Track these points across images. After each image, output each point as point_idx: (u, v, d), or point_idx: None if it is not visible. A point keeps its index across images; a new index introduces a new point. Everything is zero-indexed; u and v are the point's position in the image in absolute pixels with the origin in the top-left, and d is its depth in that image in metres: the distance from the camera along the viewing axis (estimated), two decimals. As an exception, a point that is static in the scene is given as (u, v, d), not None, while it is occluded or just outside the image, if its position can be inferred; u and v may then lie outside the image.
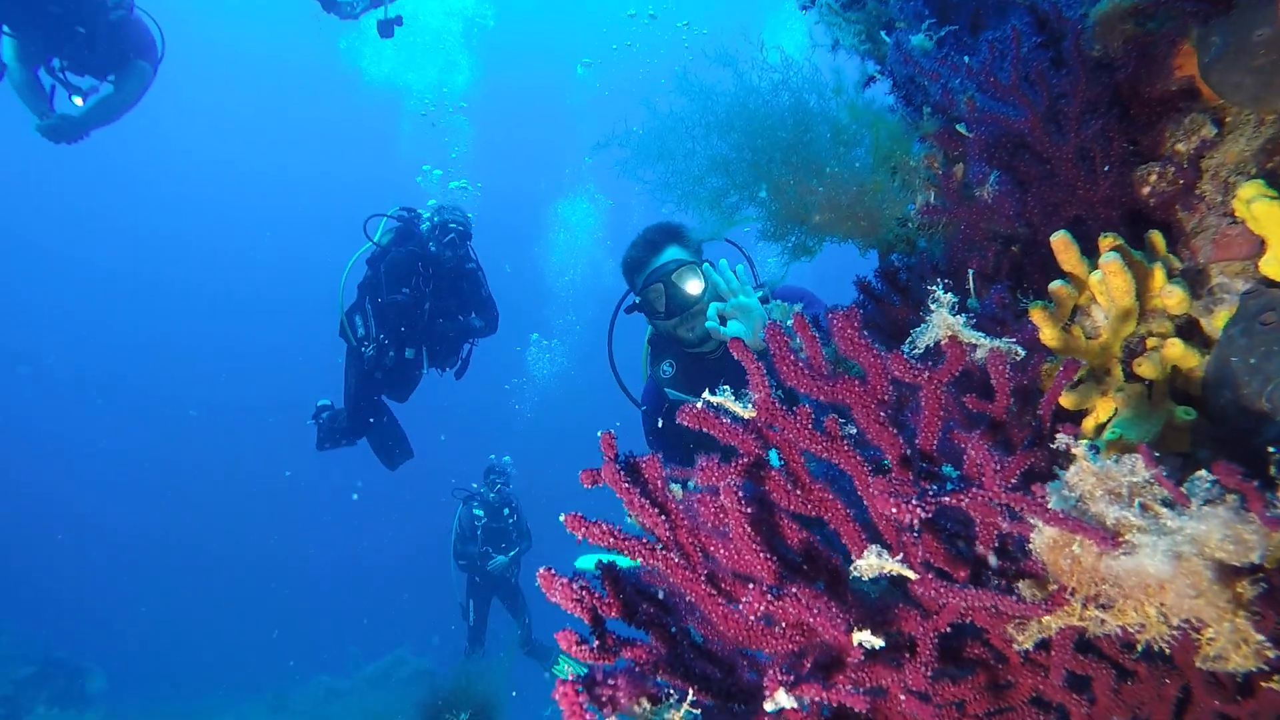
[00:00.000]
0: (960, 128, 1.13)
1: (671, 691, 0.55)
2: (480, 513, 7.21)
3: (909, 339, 0.71)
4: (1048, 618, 0.67)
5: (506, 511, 7.21)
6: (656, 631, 0.65)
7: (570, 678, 0.48)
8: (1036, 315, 0.99)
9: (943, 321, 0.70)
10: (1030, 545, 0.67)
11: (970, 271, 1.00)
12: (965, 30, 1.25)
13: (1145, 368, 1.01)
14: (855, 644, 0.62)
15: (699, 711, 0.55)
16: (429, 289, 5.06)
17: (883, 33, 1.31)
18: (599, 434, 0.70)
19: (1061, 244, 1.02)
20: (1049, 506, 0.60)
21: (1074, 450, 0.63)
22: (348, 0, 4.97)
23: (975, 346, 0.72)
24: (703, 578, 0.69)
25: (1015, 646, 0.71)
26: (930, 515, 0.56)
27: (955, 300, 0.69)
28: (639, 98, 1.21)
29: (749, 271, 2.39)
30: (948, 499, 0.57)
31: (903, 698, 0.64)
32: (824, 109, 1.16)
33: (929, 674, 0.64)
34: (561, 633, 0.54)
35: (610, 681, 0.52)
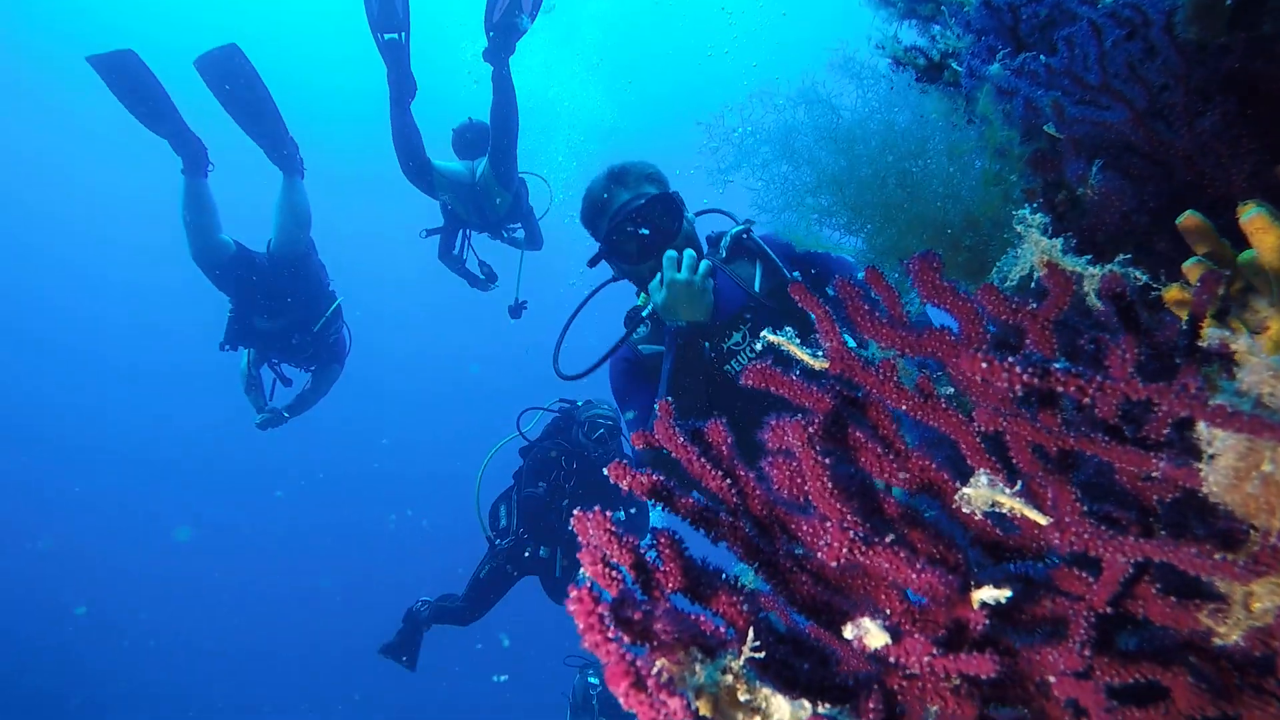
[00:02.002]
0: (1048, 128, 1.06)
1: (727, 638, 0.44)
2: (595, 680, 6.85)
3: (995, 268, 0.62)
4: (1259, 585, 0.50)
5: None
6: (726, 610, 0.54)
7: (588, 583, 0.40)
8: (1173, 299, 0.85)
9: (1037, 245, 0.61)
10: (1204, 489, 0.52)
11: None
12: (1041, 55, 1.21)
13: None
14: (976, 605, 0.48)
15: (763, 655, 0.43)
16: (569, 484, 4.70)
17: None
18: (656, 403, 0.64)
19: (1193, 224, 0.89)
20: (1214, 403, 0.46)
21: (1235, 347, 0.50)
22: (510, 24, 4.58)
23: (1081, 277, 0.62)
24: (781, 552, 0.57)
25: (1217, 642, 0.53)
26: (1034, 384, 0.44)
27: (1046, 220, 0.60)
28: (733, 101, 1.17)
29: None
30: (1063, 376, 0.45)
31: (1052, 680, 0.47)
32: (940, 132, 1.10)
33: (1087, 655, 0.48)
34: (585, 550, 0.45)
35: (647, 608, 0.42)
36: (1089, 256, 0.60)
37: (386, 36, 4.08)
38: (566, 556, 4.70)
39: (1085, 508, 0.56)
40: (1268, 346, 0.85)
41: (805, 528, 0.60)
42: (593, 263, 2.29)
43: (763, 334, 0.61)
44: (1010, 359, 0.44)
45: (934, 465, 0.62)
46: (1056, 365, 0.44)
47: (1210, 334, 0.51)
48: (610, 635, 0.39)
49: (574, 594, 0.39)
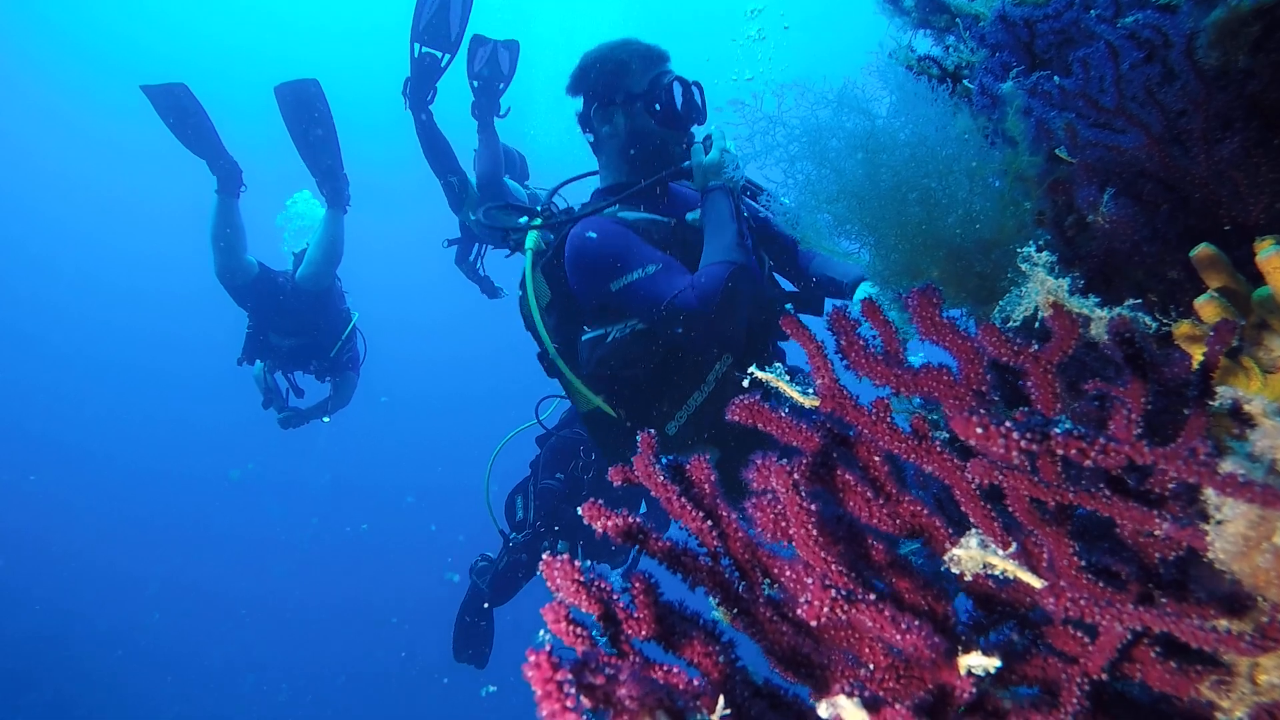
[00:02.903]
0: (1060, 152, 1.03)
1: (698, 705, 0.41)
2: None
3: (998, 308, 0.59)
4: (1267, 659, 0.47)
5: None
6: (701, 660, 0.52)
7: (547, 646, 0.37)
8: (1183, 335, 0.81)
9: (1043, 285, 0.58)
10: (1209, 554, 0.49)
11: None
12: (1054, 75, 1.18)
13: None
14: (963, 672, 0.45)
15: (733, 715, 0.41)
16: (588, 476, 4.42)
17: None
18: (639, 434, 0.61)
19: (1207, 256, 0.86)
20: (1225, 471, 0.43)
21: (1249, 409, 0.47)
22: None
23: (1088, 319, 0.59)
24: (761, 599, 0.55)
25: (1219, 717, 0.50)
26: (1032, 450, 0.42)
27: (1052, 259, 0.57)
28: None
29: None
30: (1063, 440, 0.42)
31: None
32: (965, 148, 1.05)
33: (1080, 729, 0.45)
34: (548, 606, 0.42)
35: (610, 672, 0.39)
36: (1097, 299, 0.57)
37: (424, 50, 4.04)
38: (587, 550, 4.58)
39: (1082, 561, 0.54)
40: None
41: (788, 574, 0.57)
42: (640, 108, 2.12)
43: (750, 370, 0.58)
44: (1007, 424, 0.41)
45: (925, 511, 0.59)
46: (1057, 430, 0.41)
47: (1223, 392, 0.48)
48: (569, 705, 0.36)
49: (531, 659, 0.37)
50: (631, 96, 2.13)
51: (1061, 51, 1.26)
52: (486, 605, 4.61)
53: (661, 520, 4.61)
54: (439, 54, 4.04)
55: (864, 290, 2.85)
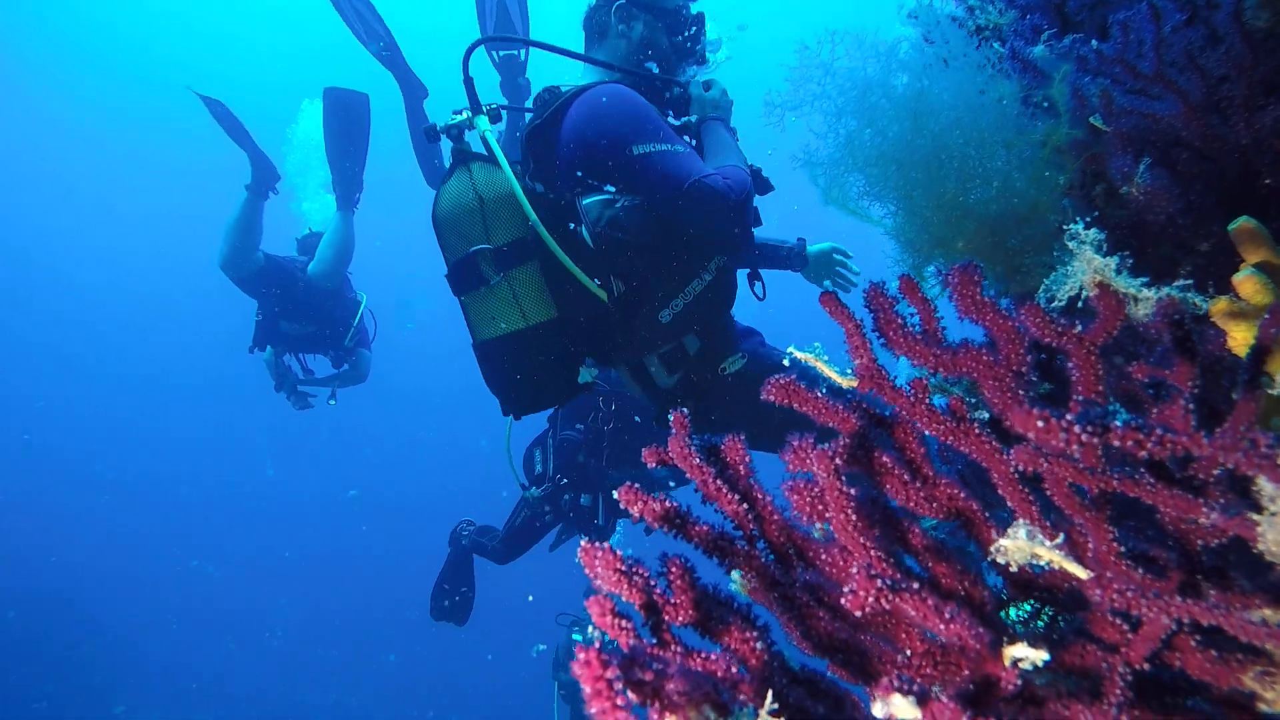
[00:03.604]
0: (1095, 120, 1.00)
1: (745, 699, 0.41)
2: (579, 638, 6.85)
3: (1043, 287, 0.57)
4: (1305, 653, 0.46)
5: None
6: (739, 645, 0.51)
7: (596, 644, 0.36)
8: (1220, 312, 0.80)
9: (1089, 264, 0.56)
10: (1259, 546, 0.48)
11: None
12: (1091, 39, 1.14)
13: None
14: (1008, 663, 0.45)
15: (777, 706, 0.40)
16: (608, 427, 4.15)
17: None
18: (670, 414, 0.60)
19: (1246, 231, 0.84)
20: (1281, 465, 0.42)
21: (1308, 397, 0.45)
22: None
23: (1135, 299, 0.57)
24: (799, 584, 0.54)
25: (1263, 708, 0.50)
26: (1092, 446, 0.40)
27: (1100, 237, 0.55)
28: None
29: None
30: (1122, 432, 0.41)
31: (1088, 747, 0.45)
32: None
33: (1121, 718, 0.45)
34: (593, 599, 0.42)
35: (658, 667, 0.39)
36: (1145, 279, 0.55)
37: (377, 47, 4.25)
38: (607, 503, 4.18)
39: (1122, 548, 0.53)
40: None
41: (826, 558, 0.56)
42: (663, 25, 2.11)
43: (789, 350, 0.56)
44: (1069, 418, 0.40)
45: (963, 494, 0.58)
46: (1116, 422, 0.40)
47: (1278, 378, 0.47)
48: (619, 704, 0.36)
49: (582, 656, 0.36)
50: (660, 10, 2.11)
51: (1095, 13, 1.22)
52: (497, 560, 4.53)
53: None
54: (381, 44, 4.25)
55: (816, 249, 2.72)
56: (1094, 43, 0.96)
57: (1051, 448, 0.41)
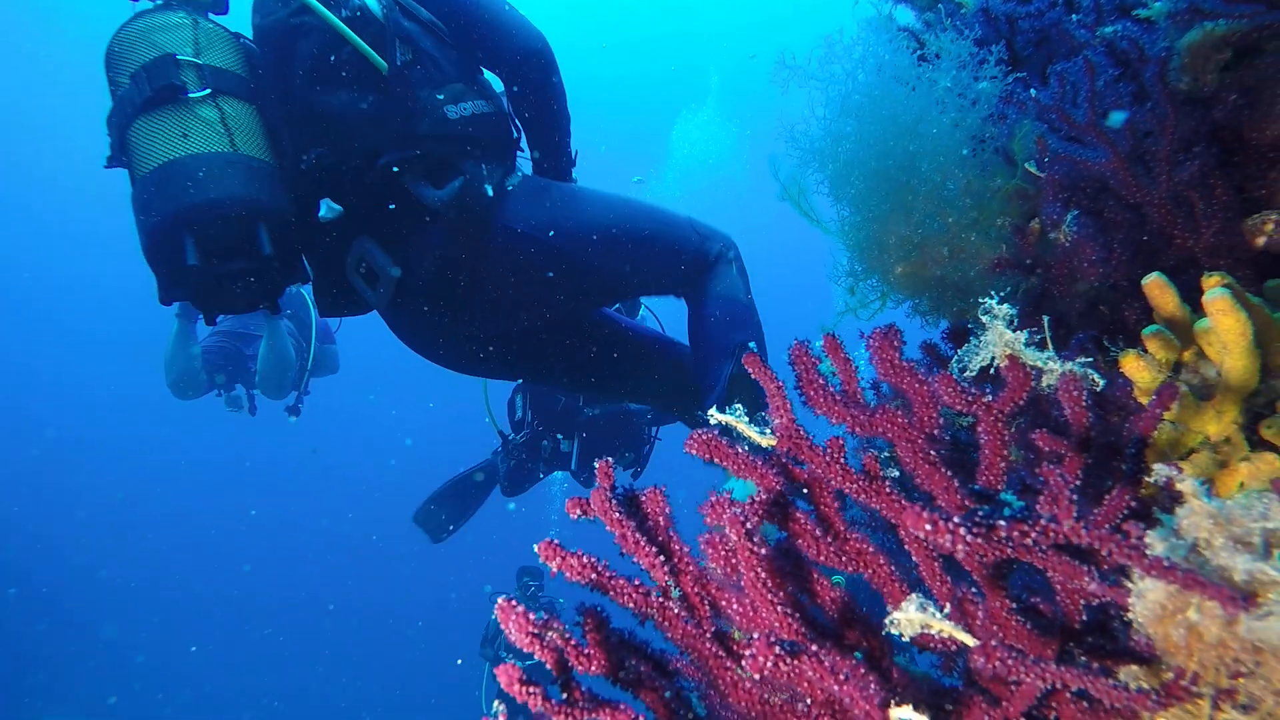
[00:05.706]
0: (1030, 165, 1.04)
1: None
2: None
3: (955, 358, 0.60)
4: (1164, 715, 0.51)
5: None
6: (648, 694, 0.54)
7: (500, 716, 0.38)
8: (1130, 364, 0.84)
9: (999, 338, 0.59)
10: (1130, 615, 0.52)
11: (1044, 318, 0.87)
12: (1036, 78, 1.17)
13: (1276, 432, 0.84)
14: (894, 726, 0.48)
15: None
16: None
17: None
18: (596, 462, 0.61)
19: (1156, 286, 0.88)
20: (1152, 554, 0.46)
21: (1181, 486, 0.49)
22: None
23: (1041, 371, 0.60)
24: (708, 634, 0.57)
25: (1121, 758, 0.54)
26: (978, 545, 0.44)
27: (1012, 312, 0.58)
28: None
29: None
30: (1006, 529, 0.44)
31: (960, 807, 0.48)
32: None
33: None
34: (502, 667, 0.43)
35: (559, 739, 0.41)
36: (1051, 353, 0.58)
37: None
38: (585, 447, 4.21)
39: (1014, 605, 0.57)
40: (1219, 399, 0.86)
41: (736, 607, 0.59)
42: None
43: (710, 413, 0.58)
44: (954, 520, 0.43)
45: (871, 549, 0.61)
46: (1000, 521, 0.43)
47: (1158, 470, 0.51)
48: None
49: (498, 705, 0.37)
50: None
51: (1039, 50, 1.25)
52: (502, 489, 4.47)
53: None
54: None
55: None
56: (1033, 90, 1.00)
57: (941, 548, 0.44)
